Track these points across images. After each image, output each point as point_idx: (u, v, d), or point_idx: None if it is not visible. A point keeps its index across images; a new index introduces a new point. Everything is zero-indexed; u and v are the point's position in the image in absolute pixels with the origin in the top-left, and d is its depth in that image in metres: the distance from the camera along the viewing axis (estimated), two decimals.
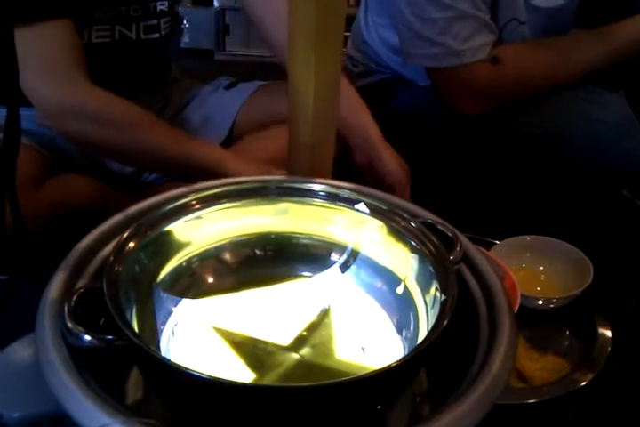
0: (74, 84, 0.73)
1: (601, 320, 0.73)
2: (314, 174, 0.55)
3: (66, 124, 0.74)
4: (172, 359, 0.41)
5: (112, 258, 0.39)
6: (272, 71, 0.94)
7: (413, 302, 0.44)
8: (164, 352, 0.42)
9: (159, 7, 0.87)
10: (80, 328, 0.35)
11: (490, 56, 0.87)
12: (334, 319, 0.46)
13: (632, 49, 0.88)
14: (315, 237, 0.50)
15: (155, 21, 0.88)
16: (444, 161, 0.99)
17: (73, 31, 0.74)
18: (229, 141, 0.97)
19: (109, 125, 0.74)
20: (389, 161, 0.79)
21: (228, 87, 1.00)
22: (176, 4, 0.94)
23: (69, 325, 0.35)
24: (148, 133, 0.75)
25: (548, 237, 0.85)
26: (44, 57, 0.72)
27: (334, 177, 0.58)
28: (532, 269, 0.85)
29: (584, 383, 0.65)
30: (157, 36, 0.89)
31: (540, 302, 0.76)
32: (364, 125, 0.80)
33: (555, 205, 0.95)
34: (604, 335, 0.71)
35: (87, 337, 0.35)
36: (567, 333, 0.75)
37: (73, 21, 0.74)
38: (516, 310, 0.66)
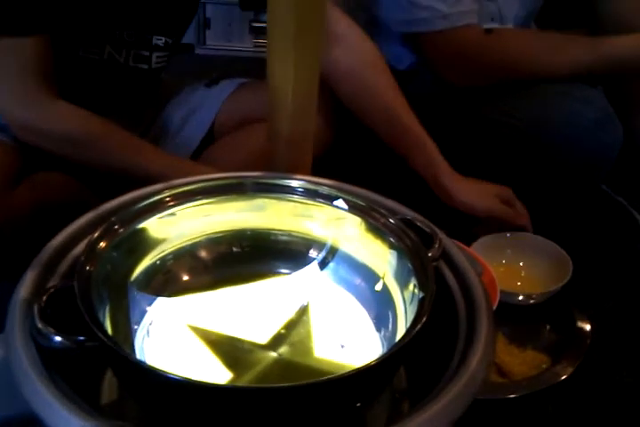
0: (36, 101, 0.73)
1: (580, 315, 0.74)
2: (293, 170, 0.55)
3: (29, 139, 0.75)
4: (146, 360, 0.40)
5: (83, 257, 0.38)
6: (252, 65, 0.93)
7: (392, 298, 0.44)
8: (138, 352, 0.41)
9: (155, 41, 0.86)
10: (50, 329, 0.34)
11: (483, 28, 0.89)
12: (313, 317, 0.46)
13: (621, 63, 0.89)
14: (293, 233, 0.49)
15: (146, 53, 0.86)
16: None
17: (45, 46, 0.72)
18: (210, 140, 0.96)
19: (71, 144, 0.75)
20: (469, 205, 0.85)
21: (209, 85, 0.99)
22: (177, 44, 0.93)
23: (39, 325, 0.34)
24: (110, 151, 0.77)
25: (528, 234, 0.86)
26: (8, 72, 0.71)
27: (315, 173, 0.58)
28: (512, 265, 0.85)
29: (564, 378, 0.65)
30: (146, 67, 0.87)
31: (520, 298, 0.77)
32: (438, 183, 0.86)
33: (534, 200, 0.95)
34: (583, 330, 0.72)
35: (57, 338, 0.34)
36: (547, 328, 0.76)
37: (50, 36, 0.73)
38: (495, 306, 0.66)
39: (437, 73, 0.95)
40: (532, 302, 0.77)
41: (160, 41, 0.87)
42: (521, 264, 0.85)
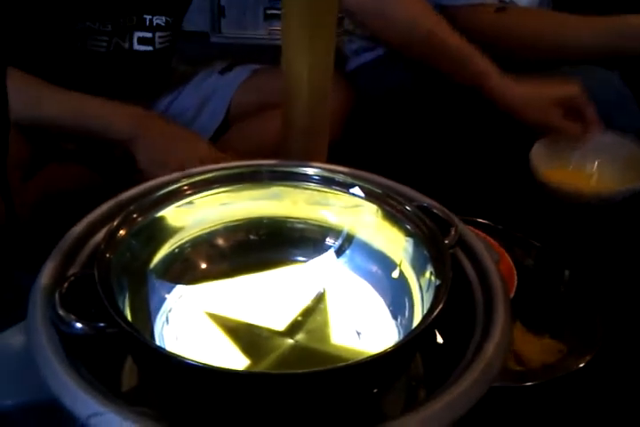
0: None
1: (597, 303, 0.73)
2: (308, 158, 0.55)
3: None
4: (165, 346, 0.41)
5: (103, 245, 0.39)
6: (268, 53, 0.93)
7: (408, 286, 0.44)
8: (157, 339, 0.41)
9: (155, 21, 0.87)
10: (71, 316, 0.35)
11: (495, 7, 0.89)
12: (329, 304, 0.46)
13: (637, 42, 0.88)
14: (309, 221, 0.49)
15: (149, 34, 0.87)
16: (440, 139, 0.99)
17: None
18: (225, 127, 0.96)
19: None
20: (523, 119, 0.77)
21: (222, 72, 0.99)
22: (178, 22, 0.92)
23: (60, 312, 0.35)
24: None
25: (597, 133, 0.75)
26: None
27: (329, 161, 0.58)
28: (581, 170, 0.76)
29: (582, 365, 0.65)
30: (151, 48, 0.88)
31: (603, 196, 0.69)
32: (489, 93, 0.80)
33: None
34: (600, 317, 0.71)
35: (78, 325, 0.34)
36: (563, 315, 0.75)
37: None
38: (512, 294, 0.66)
39: (439, 79, 0.94)
40: (613, 199, 0.69)
41: (160, 20, 0.87)
42: (592, 168, 0.75)
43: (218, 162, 0.50)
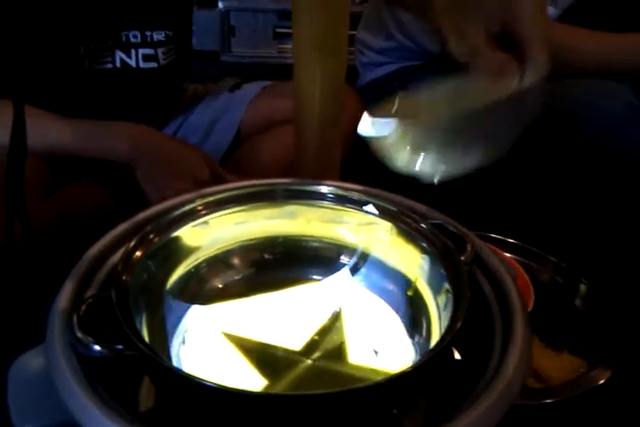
0: None
1: (616, 316, 0.72)
2: (321, 176, 0.55)
3: None
4: (182, 367, 0.40)
5: (120, 266, 0.39)
6: (278, 72, 0.94)
7: (425, 304, 0.43)
8: (174, 360, 0.41)
9: (155, 37, 0.87)
10: (89, 338, 0.35)
11: None
12: (345, 323, 0.46)
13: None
14: (324, 239, 0.49)
15: (152, 50, 0.87)
16: None
17: None
18: (237, 144, 0.97)
19: None
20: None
21: (232, 90, 1.00)
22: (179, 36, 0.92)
23: (79, 335, 0.35)
24: None
25: None
26: None
27: (341, 177, 0.58)
28: None
29: (602, 382, 0.64)
30: (156, 65, 0.88)
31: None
32: None
33: (565, 200, 0.94)
34: (619, 333, 0.70)
35: (97, 347, 0.34)
36: (582, 331, 0.74)
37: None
38: (530, 309, 0.65)
39: None
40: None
41: (160, 35, 0.87)
42: None
43: (217, 184, 0.50)
